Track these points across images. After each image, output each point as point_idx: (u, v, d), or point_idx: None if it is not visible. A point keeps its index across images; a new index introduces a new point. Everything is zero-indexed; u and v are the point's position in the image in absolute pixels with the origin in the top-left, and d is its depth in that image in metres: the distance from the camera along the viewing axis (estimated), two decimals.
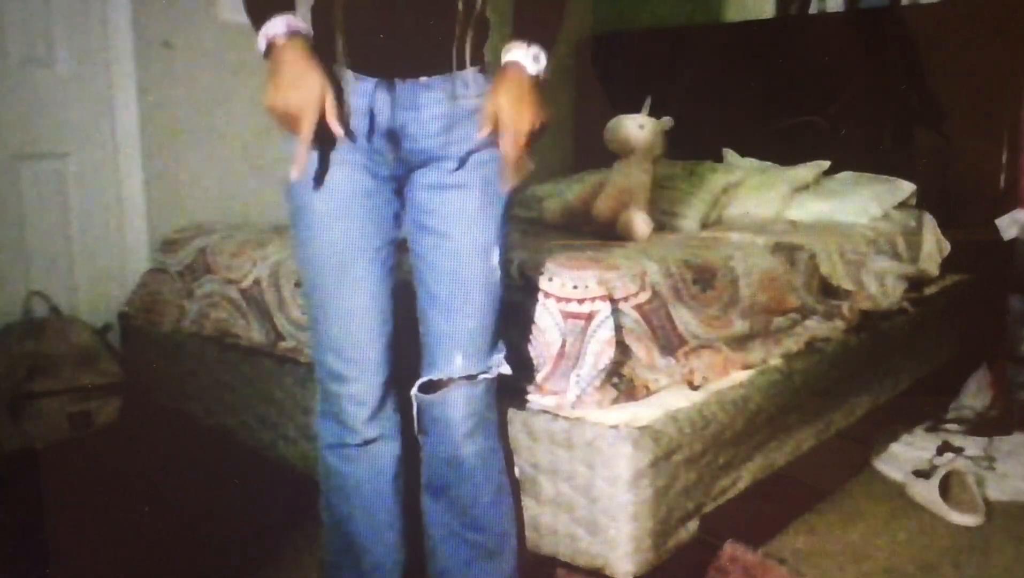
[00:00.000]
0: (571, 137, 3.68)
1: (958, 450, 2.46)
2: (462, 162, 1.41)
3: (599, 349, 1.65)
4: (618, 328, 1.68)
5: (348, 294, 1.43)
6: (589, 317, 1.67)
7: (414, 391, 1.48)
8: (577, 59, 3.72)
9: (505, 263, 1.48)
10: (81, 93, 2.57)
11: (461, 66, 1.39)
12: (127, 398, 2.41)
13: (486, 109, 1.35)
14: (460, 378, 1.46)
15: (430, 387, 1.48)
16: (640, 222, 2.33)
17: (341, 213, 1.40)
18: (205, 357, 2.32)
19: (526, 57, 1.35)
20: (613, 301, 1.69)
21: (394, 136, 1.39)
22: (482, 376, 1.48)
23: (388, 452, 1.51)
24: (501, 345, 1.51)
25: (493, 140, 1.39)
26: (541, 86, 1.36)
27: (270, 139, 2.95)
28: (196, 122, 2.76)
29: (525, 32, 1.37)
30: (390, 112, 1.37)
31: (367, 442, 1.49)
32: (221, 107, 2.80)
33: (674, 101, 2.81)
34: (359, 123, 1.37)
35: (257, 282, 2.20)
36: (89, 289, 2.62)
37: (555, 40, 1.39)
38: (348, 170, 1.39)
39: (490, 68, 1.43)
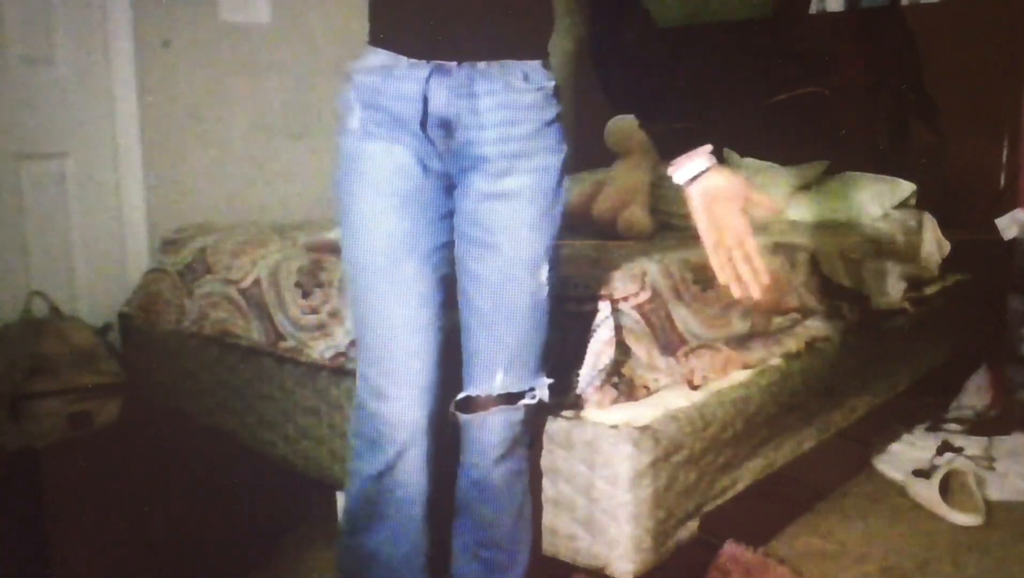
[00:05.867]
0: (571, 137, 3.68)
1: (958, 450, 2.46)
2: (515, 166, 1.34)
3: (599, 349, 1.65)
4: (618, 328, 1.67)
5: (396, 299, 1.34)
6: (589, 317, 1.67)
7: (452, 408, 1.41)
8: (577, 59, 3.72)
9: (554, 278, 1.40)
10: (81, 93, 2.57)
11: (521, 55, 1.33)
12: (127, 398, 2.41)
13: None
14: (500, 397, 1.39)
15: (469, 404, 1.41)
16: (641, 219, 2.33)
17: (391, 208, 1.32)
18: (205, 357, 2.32)
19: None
20: (613, 301, 1.69)
21: (448, 126, 1.31)
22: (522, 402, 1.41)
23: (418, 482, 1.40)
24: (544, 370, 1.43)
25: (550, 145, 1.35)
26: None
27: (270, 139, 2.96)
28: (196, 122, 2.76)
29: None
30: (445, 99, 1.29)
31: (397, 468, 1.38)
32: (221, 107, 2.80)
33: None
34: (411, 109, 1.30)
35: (257, 282, 2.20)
36: (89, 289, 2.62)
37: None
38: (400, 163, 1.32)
39: (551, 65, 1.37)
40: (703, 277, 1.92)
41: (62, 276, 2.56)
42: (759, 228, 2.47)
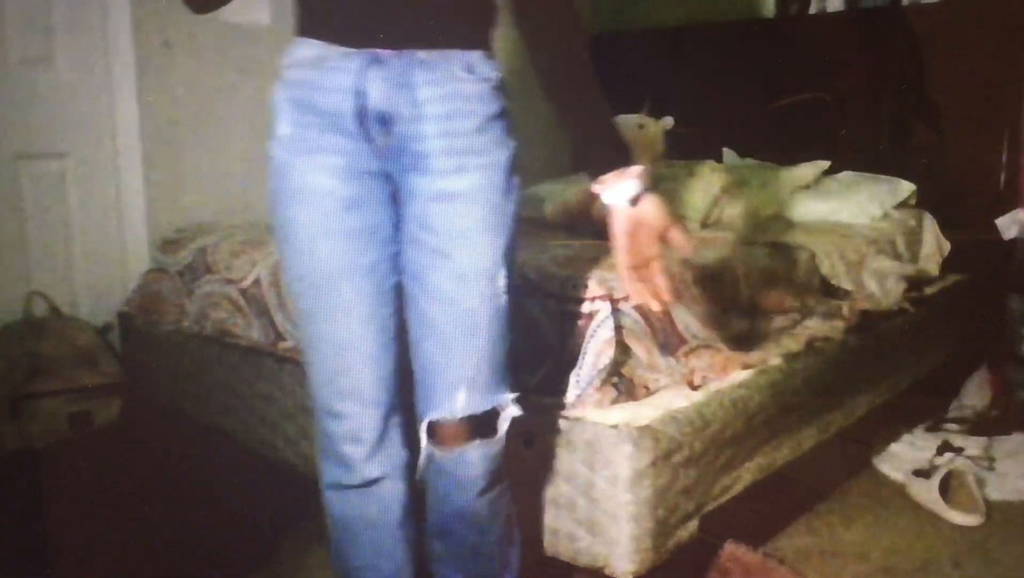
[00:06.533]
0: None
1: (958, 450, 2.46)
2: (462, 163, 1.25)
3: (599, 349, 1.65)
4: (618, 328, 1.68)
5: (338, 319, 1.28)
6: (589, 317, 1.67)
7: (423, 441, 1.33)
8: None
9: (514, 288, 1.31)
10: (81, 93, 2.57)
11: (463, 45, 1.25)
12: (127, 398, 2.41)
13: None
14: (465, 420, 1.30)
15: (436, 432, 1.33)
16: None
17: (325, 227, 1.26)
18: (205, 357, 2.32)
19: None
20: (613, 301, 1.69)
21: (386, 120, 1.23)
22: (500, 434, 1.33)
23: (392, 495, 1.35)
24: (507, 384, 1.35)
25: (497, 139, 1.28)
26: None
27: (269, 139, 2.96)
28: (196, 122, 2.76)
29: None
30: (383, 91, 1.21)
31: (368, 483, 1.33)
32: (221, 107, 2.80)
33: (674, 101, 2.82)
34: (345, 104, 1.22)
35: (257, 282, 2.20)
36: (89, 289, 2.62)
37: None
38: (331, 177, 1.25)
39: (497, 56, 1.31)
40: (703, 277, 1.93)
41: (62, 276, 2.56)
42: (759, 228, 2.48)
